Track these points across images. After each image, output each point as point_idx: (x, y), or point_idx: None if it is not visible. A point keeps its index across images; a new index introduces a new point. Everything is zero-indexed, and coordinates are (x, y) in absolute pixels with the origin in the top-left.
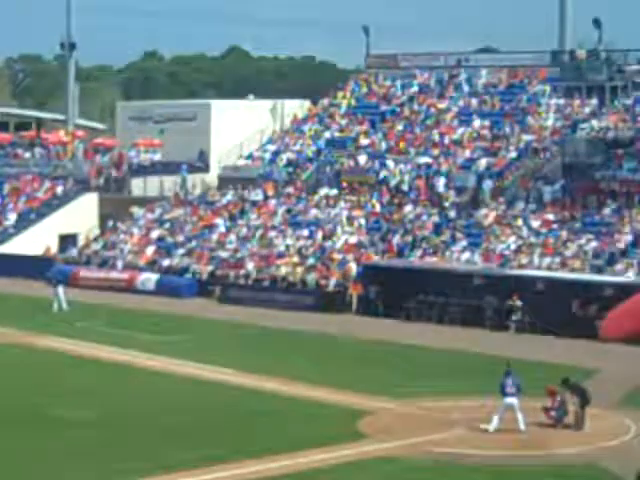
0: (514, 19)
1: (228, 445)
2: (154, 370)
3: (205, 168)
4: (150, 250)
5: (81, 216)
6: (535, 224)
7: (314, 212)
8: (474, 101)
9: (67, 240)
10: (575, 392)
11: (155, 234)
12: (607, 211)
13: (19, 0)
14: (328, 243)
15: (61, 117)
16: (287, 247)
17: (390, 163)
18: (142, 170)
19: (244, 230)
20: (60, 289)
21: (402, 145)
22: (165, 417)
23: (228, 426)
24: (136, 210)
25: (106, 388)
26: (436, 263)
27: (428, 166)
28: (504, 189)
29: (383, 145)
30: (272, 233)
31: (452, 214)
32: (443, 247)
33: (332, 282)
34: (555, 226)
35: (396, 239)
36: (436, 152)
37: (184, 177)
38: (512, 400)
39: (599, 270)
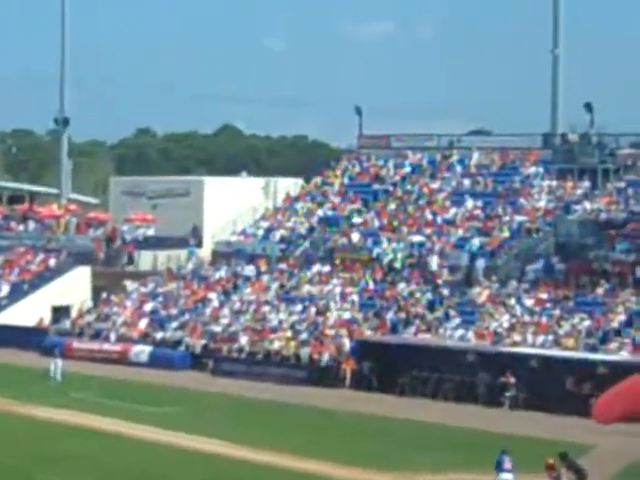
0: (506, 102)
1: None
2: (146, 440)
3: (198, 243)
4: (143, 323)
5: (74, 288)
6: (528, 303)
7: (307, 288)
8: (467, 182)
9: (60, 312)
10: (572, 469)
11: (148, 307)
12: (600, 291)
13: (11, 75)
14: (321, 318)
15: (54, 191)
16: (280, 322)
17: (383, 241)
18: (135, 244)
19: (237, 304)
20: (59, 360)
21: (395, 223)
22: None
23: None
24: (129, 283)
25: (98, 457)
26: (430, 339)
27: (421, 245)
28: (497, 268)
29: (376, 223)
30: (265, 308)
31: (445, 292)
32: (437, 324)
33: (325, 357)
34: (548, 305)
35: (389, 315)
36: (429, 231)
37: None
38: (508, 476)
39: (593, 348)
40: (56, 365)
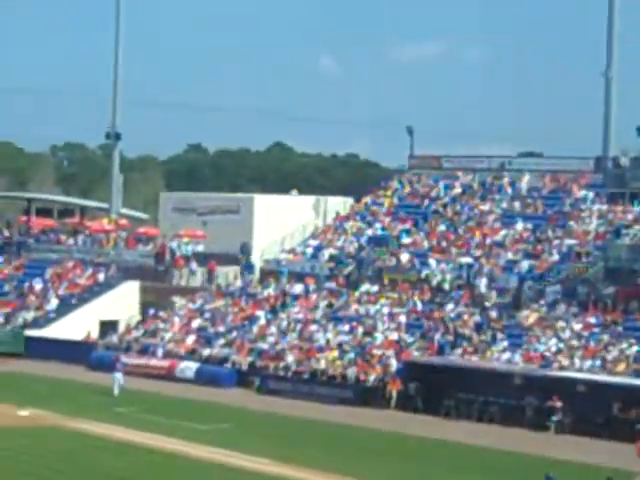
0: (558, 126)
1: None
2: (192, 457)
3: (247, 260)
4: (190, 339)
5: (122, 303)
6: (577, 327)
7: (355, 307)
8: (517, 204)
9: (108, 326)
10: None
11: (196, 323)
12: None
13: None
14: (368, 338)
15: (104, 205)
16: (327, 341)
17: (432, 262)
18: (185, 260)
19: (285, 323)
20: (120, 375)
21: (444, 244)
22: None
23: None
24: (177, 300)
25: (142, 474)
26: (477, 362)
27: (470, 266)
28: (545, 291)
29: (425, 244)
30: (313, 327)
31: (493, 314)
32: (484, 346)
33: (372, 377)
34: (596, 330)
35: (437, 337)
36: (478, 253)
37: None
38: None
39: None
40: (115, 380)
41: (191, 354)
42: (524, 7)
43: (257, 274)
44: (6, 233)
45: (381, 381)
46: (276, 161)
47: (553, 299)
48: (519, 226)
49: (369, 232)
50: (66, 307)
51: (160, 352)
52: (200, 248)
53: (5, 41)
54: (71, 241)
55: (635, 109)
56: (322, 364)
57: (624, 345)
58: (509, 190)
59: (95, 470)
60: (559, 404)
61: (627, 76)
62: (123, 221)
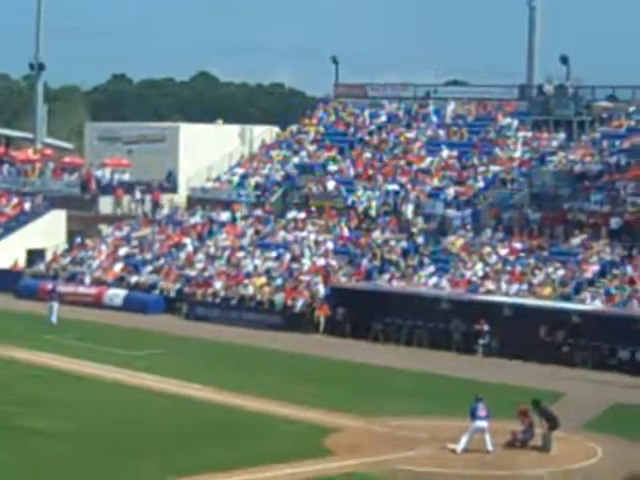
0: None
1: (192, 460)
2: (121, 383)
3: (173, 189)
4: (118, 267)
5: (49, 232)
6: (503, 252)
7: (282, 234)
8: (442, 132)
9: (35, 255)
10: (544, 416)
11: (123, 251)
12: (574, 241)
13: None
14: (296, 265)
15: (29, 135)
16: (255, 268)
17: (358, 189)
18: (110, 189)
19: (212, 250)
20: (55, 303)
21: (370, 172)
22: (129, 430)
23: (193, 441)
24: (104, 228)
25: (72, 400)
26: (404, 287)
27: (396, 193)
28: (472, 217)
29: (351, 171)
30: (240, 254)
31: (420, 240)
32: (411, 272)
33: (299, 303)
34: (523, 254)
35: (364, 263)
36: (404, 180)
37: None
38: (483, 424)
39: (566, 298)
40: (52, 308)
41: (119, 281)
42: None
43: (184, 201)
44: None
45: (309, 306)
46: (201, 90)
47: (479, 224)
48: (444, 153)
49: (295, 160)
50: None
51: (88, 280)
52: (126, 177)
53: None
54: None
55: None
56: (250, 290)
57: (550, 269)
58: (434, 118)
59: (27, 397)
60: (486, 328)
61: (551, 4)
62: (48, 151)
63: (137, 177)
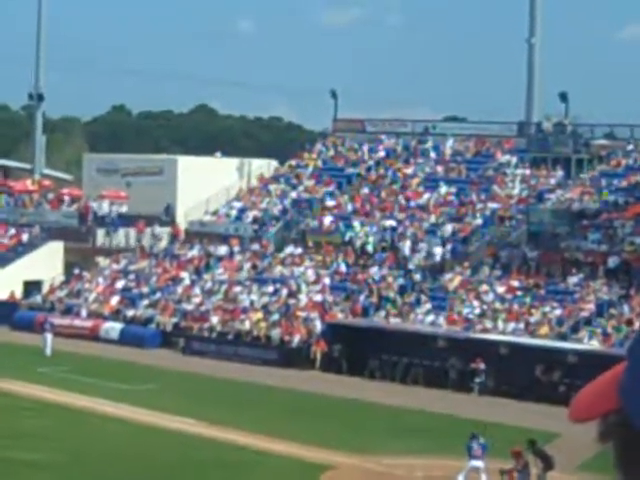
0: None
1: None
2: (114, 417)
3: (171, 222)
4: (115, 300)
5: (46, 263)
6: (500, 290)
7: (279, 269)
8: (440, 168)
9: (31, 286)
10: (539, 456)
11: (120, 284)
12: (571, 280)
13: None
14: (292, 300)
15: (28, 166)
16: (251, 302)
17: (356, 224)
18: (108, 221)
19: (209, 284)
20: (49, 335)
21: (368, 207)
22: (120, 464)
23: (183, 476)
24: (101, 260)
25: (63, 433)
26: (400, 324)
27: (393, 229)
28: (469, 255)
29: (349, 207)
30: (237, 288)
31: (417, 277)
32: (408, 309)
33: (296, 338)
34: (520, 293)
35: (361, 299)
36: (402, 216)
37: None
38: (478, 463)
39: (563, 337)
40: (46, 340)
41: (115, 315)
42: None
43: (182, 236)
44: None
45: (305, 342)
46: (200, 123)
47: (476, 262)
48: (442, 190)
49: (293, 194)
50: None
51: (84, 312)
52: (124, 209)
53: None
54: None
55: (558, 75)
56: (246, 325)
57: (547, 308)
58: (433, 154)
59: (11, 429)
60: (482, 366)
61: (550, 42)
62: (46, 182)
63: (135, 210)
